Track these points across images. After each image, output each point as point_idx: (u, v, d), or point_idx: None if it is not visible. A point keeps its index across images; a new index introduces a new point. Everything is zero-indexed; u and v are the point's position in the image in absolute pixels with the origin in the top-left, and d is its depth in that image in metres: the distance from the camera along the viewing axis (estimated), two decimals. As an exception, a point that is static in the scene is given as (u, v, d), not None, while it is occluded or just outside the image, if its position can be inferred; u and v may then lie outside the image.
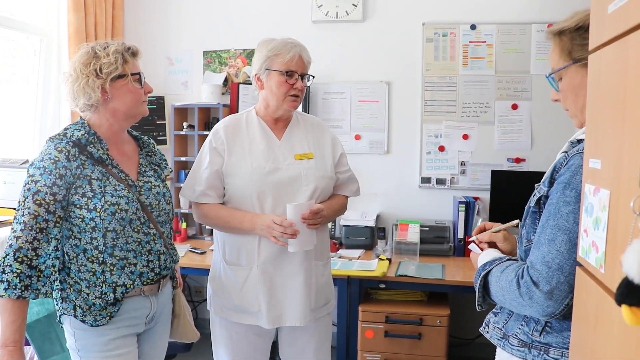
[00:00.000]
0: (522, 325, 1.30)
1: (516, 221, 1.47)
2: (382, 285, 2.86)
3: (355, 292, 2.88)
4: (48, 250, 1.56)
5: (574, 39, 1.24)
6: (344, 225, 3.41)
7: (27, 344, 2.32)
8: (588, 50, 1.20)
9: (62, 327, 1.73)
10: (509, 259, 1.34)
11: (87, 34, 3.37)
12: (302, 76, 2.00)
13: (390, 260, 3.06)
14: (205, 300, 2.17)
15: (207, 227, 3.56)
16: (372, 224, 3.39)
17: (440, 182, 3.50)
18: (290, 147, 2.03)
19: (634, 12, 0.80)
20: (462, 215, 3.26)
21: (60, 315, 1.71)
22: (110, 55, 1.65)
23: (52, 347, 2.30)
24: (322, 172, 2.04)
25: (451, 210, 3.47)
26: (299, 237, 1.88)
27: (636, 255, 0.64)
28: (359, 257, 3.18)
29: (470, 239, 1.52)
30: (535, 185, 1.30)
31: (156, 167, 1.90)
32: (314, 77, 2.09)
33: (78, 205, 1.61)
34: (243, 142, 2.01)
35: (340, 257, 3.15)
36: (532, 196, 1.30)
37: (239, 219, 1.95)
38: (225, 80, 3.75)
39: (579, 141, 1.24)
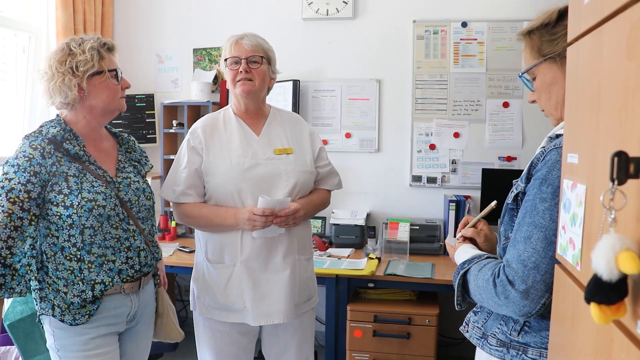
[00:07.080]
0: (500, 324, 1.27)
1: (494, 202, 1.44)
2: (371, 285, 2.84)
3: (344, 291, 2.85)
4: (23, 248, 1.53)
5: (543, 36, 1.24)
6: (334, 224, 3.38)
7: (11, 343, 2.30)
8: (556, 45, 1.17)
9: (42, 327, 1.71)
10: (487, 257, 1.31)
11: (76, 31, 3.34)
12: (251, 60, 1.94)
13: (379, 259, 3.04)
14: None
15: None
16: (362, 222, 3.37)
17: (431, 180, 3.47)
18: (269, 142, 2.01)
19: (609, 1, 0.77)
20: (452, 214, 3.23)
21: (39, 315, 1.69)
22: (86, 52, 1.63)
23: (36, 346, 2.27)
24: (302, 167, 2.02)
25: (442, 209, 3.45)
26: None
27: (604, 251, 0.61)
28: (349, 255, 3.15)
29: (457, 236, 1.49)
30: (514, 181, 1.28)
31: (136, 164, 1.87)
32: (264, 57, 1.96)
33: (55, 203, 1.58)
34: (221, 139, 1.99)
35: (329, 256, 3.13)
36: (510, 192, 1.27)
37: (223, 215, 1.93)
38: (215, 78, 3.72)
39: (558, 136, 1.22)
